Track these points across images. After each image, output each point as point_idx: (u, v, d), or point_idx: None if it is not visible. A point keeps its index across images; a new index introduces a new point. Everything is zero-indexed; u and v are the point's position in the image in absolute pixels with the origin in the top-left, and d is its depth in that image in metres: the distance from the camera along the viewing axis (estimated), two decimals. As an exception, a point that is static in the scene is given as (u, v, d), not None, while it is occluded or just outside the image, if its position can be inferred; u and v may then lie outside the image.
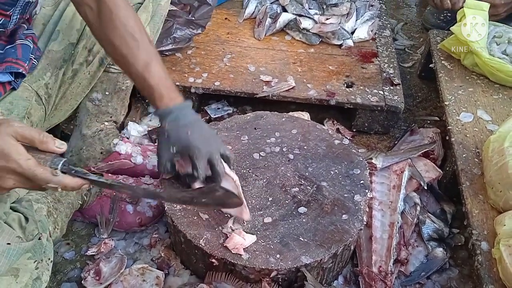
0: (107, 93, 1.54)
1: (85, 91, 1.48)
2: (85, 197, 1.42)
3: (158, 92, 1.24)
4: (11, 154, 0.88)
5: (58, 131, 1.71)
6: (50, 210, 1.22)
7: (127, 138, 1.73)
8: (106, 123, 1.57)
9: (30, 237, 1.07)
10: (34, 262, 1.06)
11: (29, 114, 1.28)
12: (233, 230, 1.26)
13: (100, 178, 1.02)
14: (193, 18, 1.96)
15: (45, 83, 1.34)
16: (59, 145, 0.95)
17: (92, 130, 1.55)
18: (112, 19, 1.22)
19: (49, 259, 1.12)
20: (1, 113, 1.21)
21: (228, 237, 1.25)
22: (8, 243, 1.00)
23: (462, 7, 1.84)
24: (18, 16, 1.19)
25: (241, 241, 1.22)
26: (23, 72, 1.23)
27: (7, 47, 1.22)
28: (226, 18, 2.24)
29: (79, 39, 1.40)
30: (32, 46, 1.28)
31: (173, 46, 1.95)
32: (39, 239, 1.09)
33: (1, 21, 1.16)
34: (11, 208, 1.10)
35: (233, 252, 1.22)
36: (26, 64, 1.25)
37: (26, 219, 1.10)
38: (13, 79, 1.23)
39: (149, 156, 1.61)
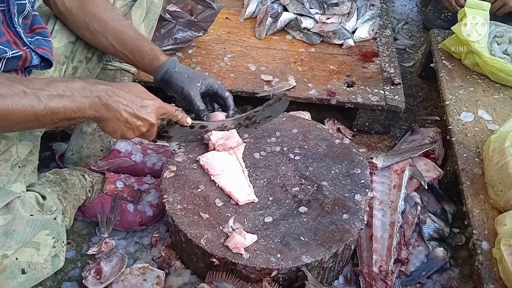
0: None
1: None
2: (88, 193, 1.43)
3: (157, 49, 1.41)
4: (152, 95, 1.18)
5: (58, 130, 1.71)
6: (60, 199, 1.25)
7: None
8: None
9: (49, 213, 1.12)
10: (52, 239, 1.10)
11: None
12: (233, 230, 1.26)
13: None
14: (196, 20, 1.96)
15: (50, 77, 1.34)
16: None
17: (92, 128, 1.55)
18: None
19: (63, 241, 1.15)
20: None
21: (228, 236, 1.25)
22: (31, 215, 1.05)
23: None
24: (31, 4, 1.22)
25: (241, 240, 1.22)
26: (52, 62, 1.25)
27: (38, 37, 1.23)
28: (227, 18, 2.24)
29: (78, 36, 1.40)
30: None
31: (174, 47, 1.95)
32: (55, 219, 1.12)
33: (26, 13, 1.18)
34: (27, 189, 1.16)
35: (233, 251, 1.22)
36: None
37: (43, 197, 1.15)
38: (38, 66, 1.24)
39: (149, 154, 1.61)
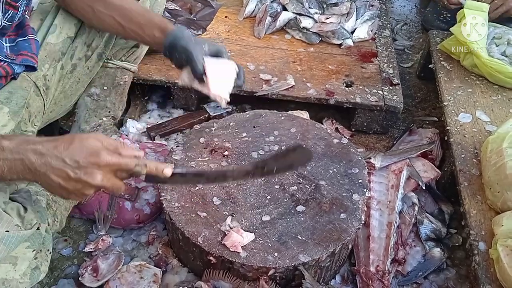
0: (105, 87, 1.56)
1: (84, 86, 1.50)
2: None
3: (165, 20, 1.40)
4: (103, 155, 0.95)
5: (56, 128, 1.71)
6: (50, 203, 1.22)
7: (126, 135, 1.73)
8: (104, 119, 1.57)
9: (29, 227, 1.05)
10: (33, 251, 1.06)
11: (28, 104, 1.28)
12: (231, 228, 1.26)
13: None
14: (195, 18, 1.96)
15: (43, 75, 1.34)
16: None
17: (90, 125, 1.55)
18: None
19: (48, 250, 1.12)
20: (0, 101, 1.21)
21: (226, 235, 1.25)
22: (7, 231, 0.99)
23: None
24: (24, 8, 1.20)
25: (239, 239, 1.22)
26: (36, 66, 1.24)
27: (19, 39, 1.23)
28: (226, 16, 2.24)
29: (77, 33, 1.40)
30: (39, 42, 1.31)
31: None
32: (38, 229, 1.08)
33: (10, 14, 1.16)
34: (10, 198, 1.10)
35: (231, 250, 1.22)
36: (37, 58, 1.26)
37: (25, 209, 1.09)
38: (24, 70, 1.24)
39: (147, 154, 1.61)
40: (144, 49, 1.64)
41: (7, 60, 1.16)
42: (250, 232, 1.26)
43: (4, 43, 1.20)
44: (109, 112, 1.59)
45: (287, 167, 1.19)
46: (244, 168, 1.17)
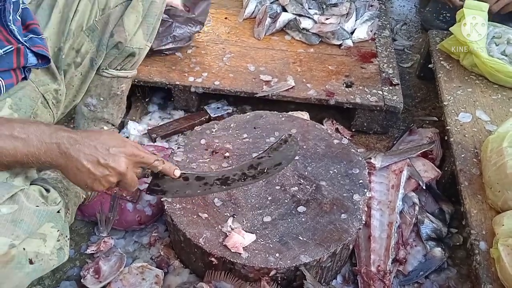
0: (101, 98, 1.49)
1: (78, 92, 1.43)
2: (88, 192, 1.42)
3: None
4: (127, 144, 1.07)
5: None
6: (62, 195, 1.23)
7: (127, 138, 1.73)
8: (104, 127, 1.54)
9: (54, 204, 1.09)
10: (57, 231, 1.07)
11: (35, 114, 1.26)
12: (232, 229, 1.26)
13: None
14: (194, 15, 1.96)
15: (55, 89, 1.30)
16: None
17: (98, 127, 1.54)
18: None
19: (66, 236, 1.12)
20: (10, 107, 1.19)
21: (227, 236, 1.25)
22: (37, 206, 1.03)
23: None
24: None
25: (240, 240, 1.23)
26: (50, 57, 1.22)
27: (32, 35, 1.19)
28: (226, 18, 2.25)
29: (66, 39, 1.33)
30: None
31: (173, 45, 1.95)
32: (58, 211, 1.09)
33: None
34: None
35: (232, 251, 1.22)
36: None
37: (47, 190, 1.12)
38: (36, 65, 1.21)
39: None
40: (142, 56, 1.51)
41: (25, 43, 1.13)
42: (251, 233, 1.26)
43: (19, 35, 1.15)
44: (108, 122, 1.55)
45: (277, 164, 1.25)
46: (239, 168, 1.23)
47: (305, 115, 1.79)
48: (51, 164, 1.02)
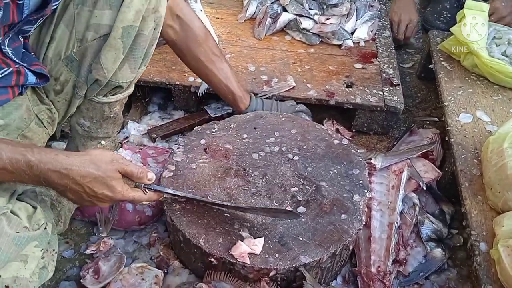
0: (94, 121, 1.40)
1: (66, 114, 1.35)
2: None
3: (238, 96, 1.65)
4: (116, 187, 1.08)
5: (57, 130, 1.70)
6: (54, 203, 1.22)
7: (127, 138, 1.73)
8: (102, 142, 1.49)
9: (36, 227, 1.08)
10: (41, 250, 1.07)
11: (22, 136, 1.23)
12: (244, 239, 1.25)
13: (175, 191, 1.27)
14: None
15: (47, 108, 1.27)
16: (150, 178, 1.16)
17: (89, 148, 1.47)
18: (196, 40, 1.53)
19: (54, 250, 1.12)
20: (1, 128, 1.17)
21: (227, 235, 1.25)
22: (17, 232, 1.02)
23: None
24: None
25: (247, 249, 1.22)
26: (48, 76, 1.19)
27: (28, 54, 1.18)
28: (226, 18, 2.24)
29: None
30: None
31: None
32: (45, 228, 1.09)
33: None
34: (17, 199, 1.12)
35: (238, 260, 1.21)
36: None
37: (34, 208, 1.11)
38: (35, 83, 1.19)
39: (148, 164, 1.60)
40: (133, 82, 1.37)
41: (22, 64, 1.11)
42: (250, 234, 1.26)
43: (13, 56, 1.13)
44: (104, 138, 1.49)
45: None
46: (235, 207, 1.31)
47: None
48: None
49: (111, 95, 1.34)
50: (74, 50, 1.20)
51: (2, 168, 0.98)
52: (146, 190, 1.16)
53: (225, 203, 1.30)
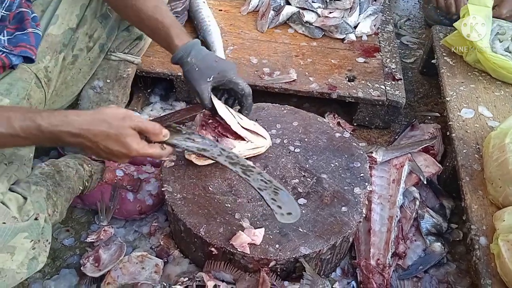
0: (108, 80, 1.56)
1: (86, 77, 1.49)
2: (86, 183, 1.42)
3: (174, 31, 1.30)
4: (131, 144, 1.07)
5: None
6: (50, 193, 1.22)
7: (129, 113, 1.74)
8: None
9: (26, 218, 1.08)
10: (31, 241, 1.07)
11: (29, 95, 1.28)
12: (244, 229, 1.25)
13: (191, 146, 1.21)
14: None
15: (44, 66, 1.33)
16: (165, 134, 1.16)
17: None
18: None
19: (46, 240, 1.12)
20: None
21: (228, 225, 1.25)
22: (4, 222, 1.01)
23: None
24: None
25: (247, 240, 1.22)
26: (33, 58, 1.24)
27: (18, 33, 1.22)
28: (228, 10, 2.24)
29: (79, 24, 1.39)
30: (41, 34, 1.29)
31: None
32: (36, 219, 1.09)
33: (7, 3, 1.16)
34: (9, 189, 1.12)
35: (238, 250, 1.22)
36: (36, 51, 1.26)
37: (24, 199, 1.11)
38: (22, 62, 1.24)
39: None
40: (148, 41, 1.62)
41: (5, 50, 1.16)
42: (251, 224, 1.26)
43: (2, 37, 1.19)
44: (113, 104, 1.59)
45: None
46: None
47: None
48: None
49: (128, 52, 1.56)
50: (109, 7, 1.41)
51: (16, 135, 0.99)
52: (163, 146, 1.15)
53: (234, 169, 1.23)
